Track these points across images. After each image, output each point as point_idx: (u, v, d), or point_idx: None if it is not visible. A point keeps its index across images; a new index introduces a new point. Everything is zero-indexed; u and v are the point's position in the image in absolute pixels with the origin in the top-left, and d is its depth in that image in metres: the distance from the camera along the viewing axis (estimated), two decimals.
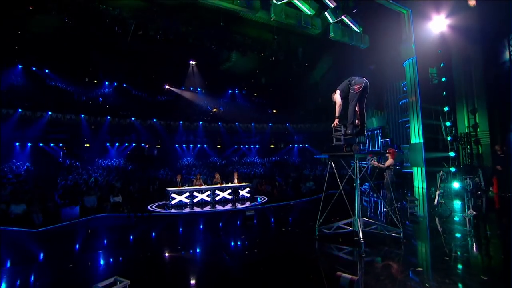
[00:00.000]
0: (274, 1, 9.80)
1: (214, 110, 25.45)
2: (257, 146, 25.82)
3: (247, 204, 13.17)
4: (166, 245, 7.16)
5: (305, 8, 10.52)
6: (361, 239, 5.62)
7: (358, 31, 11.75)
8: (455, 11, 10.95)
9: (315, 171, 18.55)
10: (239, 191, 13.84)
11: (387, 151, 8.90)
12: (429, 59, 11.65)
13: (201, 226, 9.33)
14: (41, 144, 18.69)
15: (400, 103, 14.23)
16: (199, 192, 12.96)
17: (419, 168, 11.65)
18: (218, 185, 13.56)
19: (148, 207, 12.23)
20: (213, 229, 8.79)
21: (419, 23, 11.47)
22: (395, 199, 9.09)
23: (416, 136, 11.72)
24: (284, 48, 19.74)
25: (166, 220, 10.39)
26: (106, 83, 22.76)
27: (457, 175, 10.65)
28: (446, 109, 11.54)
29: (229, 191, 13.54)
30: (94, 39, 17.66)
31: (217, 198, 13.21)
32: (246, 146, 25.68)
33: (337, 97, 6.36)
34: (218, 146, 25.20)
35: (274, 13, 9.78)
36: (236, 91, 27.38)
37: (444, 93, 11.53)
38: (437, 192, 8.57)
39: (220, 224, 9.31)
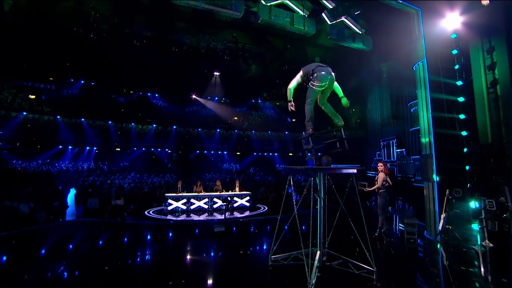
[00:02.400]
0: (263, 2, 8.46)
1: (235, 118, 24.44)
2: (275, 154, 24.26)
3: (246, 213, 11.83)
4: (87, 260, 5.83)
5: (297, 9, 9.00)
6: (311, 284, 3.96)
7: (360, 32, 9.88)
8: (471, 7, 8.66)
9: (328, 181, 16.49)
10: (239, 199, 12.49)
11: (377, 167, 6.99)
12: (442, 61, 9.36)
13: (163, 239, 7.96)
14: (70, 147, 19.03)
15: (412, 110, 11.87)
16: (196, 199, 11.84)
17: (429, 183, 9.31)
18: (218, 193, 12.34)
19: (145, 212, 11.41)
20: (171, 244, 7.51)
21: (429, 22, 9.32)
22: (388, 223, 7.11)
23: (427, 147, 9.44)
24: (300, 57, 18.14)
25: (137, 229, 9.14)
26: (140, 93, 22.95)
27: (475, 194, 8.20)
28: (462, 116, 9.11)
29: (228, 199, 12.23)
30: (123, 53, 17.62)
31: (214, 206, 11.99)
32: (265, 154, 24.26)
33: (294, 79, 4.78)
34: (238, 153, 24.09)
35: (261, 14, 8.43)
36: (259, 101, 26.20)
37: (461, 99, 9.12)
38: (443, 216, 6.43)
39: (187, 238, 7.99)
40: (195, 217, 11.06)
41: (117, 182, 14.59)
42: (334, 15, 9.37)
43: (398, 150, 13.91)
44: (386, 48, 11.94)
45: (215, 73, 23.35)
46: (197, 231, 8.69)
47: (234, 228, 8.69)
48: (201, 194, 12.05)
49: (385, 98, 15.35)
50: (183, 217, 11.06)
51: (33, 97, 18.62)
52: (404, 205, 13.13)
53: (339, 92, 4.88)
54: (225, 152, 23.82)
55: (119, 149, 20.48)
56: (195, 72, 21.25)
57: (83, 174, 15.55)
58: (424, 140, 9.53)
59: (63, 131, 17.89)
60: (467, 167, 8.81)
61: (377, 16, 10.30)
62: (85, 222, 9.83)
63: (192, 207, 11.74)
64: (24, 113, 16.27)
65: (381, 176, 6.82)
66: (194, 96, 24.28)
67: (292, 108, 4.76)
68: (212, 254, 6.26)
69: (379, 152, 15.94)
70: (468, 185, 8.94)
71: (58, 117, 16.69)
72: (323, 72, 4.50)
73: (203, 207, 11.91)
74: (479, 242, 5.90)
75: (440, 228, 6.40)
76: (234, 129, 22.14)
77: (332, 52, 16.72)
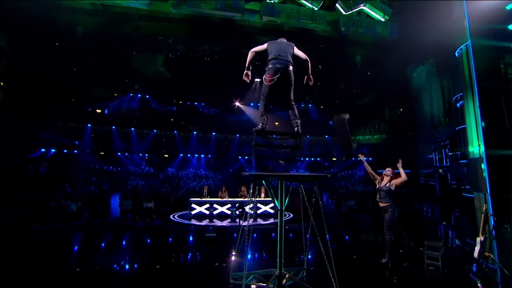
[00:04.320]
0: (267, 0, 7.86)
1: (276, 123, 23.88)
2: (318, 159, 22.82)
3: (271, 220, 11.15)
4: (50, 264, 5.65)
5: (306, 2, 8.12)
6: None
7: (383, 20, 8.44)
8: None
9: (366, 188, 14.64)
10: (263, 206, 11.85)
11: (384, 173, 5.60)
12: (495, 40, 7.29)
13: (156, 243, 7.77)
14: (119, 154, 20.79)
15: (458, 105, 9.55)
16: (219, 205, 11.61)
17: (481, 194, 7.35)
18: (241, 199, 11.90)
19: (171, 216, 11.61)
20: (155, 249, 7.22)
21: None
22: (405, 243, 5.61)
23: (476, 149, 7.48)
24: (334, 55, 16.70)
25: (144, 232, 9.09)
26: (188, 103, 24.17)
27: None
28: None
29: (251, 205, 11.69)
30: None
31: (237, 212, 11.56)
32: (307, 159, 23.00)
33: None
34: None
35: (263, 13, 7.83)
36: (303, 105, 25.16)
37: None
38: (479, 239, 4.78)
39: (181, 243, 7.67)
40: (218, 223, 10.82)
41: (157, 186, 15.38)
42: (350, 4, 8.18)
43: (451, 153, 11.46)
44: (427, 35, 10.03)
45: (256, 80, 23.20)
46: (200, 236, 8.36)
47: (232, 236, 8.17)
48: (224, 199, 11.79)
49: (435, 94, 12.89)
50: (205, 222, 10.92)
51: (99, 111, 21.30)
52: (461, 220, 10.70)
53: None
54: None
55: (167, 156, 21.82)
56: (236, 80, 21.41)
57: (131, 178, 16.88)
58: (472, 140, 7.54)
59: (118, 140, 19.94)
60: None
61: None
62: (105, 222, 10.33)
63: (215, 212, 11.55)
64: (89, 125, 18.64)
65: (394, 181, 5.41)
66: (237, 103, 24.56)
67: (246, 79, 3.99)
68: (184, 262, 5.83)
69: (429, 156, 13.48)
70: None
71: (113, 127, 18.58)
72: (277, 65, 3.71)
73: (226, 213, 11.62)
74: None
75: (476, 255, 4.75)
76: (273, 134, 21.51)
77: (371, 48, 14.93)
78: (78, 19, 15.47)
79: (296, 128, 3.78)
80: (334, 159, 22.45)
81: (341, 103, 22.89)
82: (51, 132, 18.76)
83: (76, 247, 7.40)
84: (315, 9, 7.98)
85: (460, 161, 9.73)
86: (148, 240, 8.14)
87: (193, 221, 10.97)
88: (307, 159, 22.91)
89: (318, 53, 16.04)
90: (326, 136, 21.06)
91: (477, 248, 4.75)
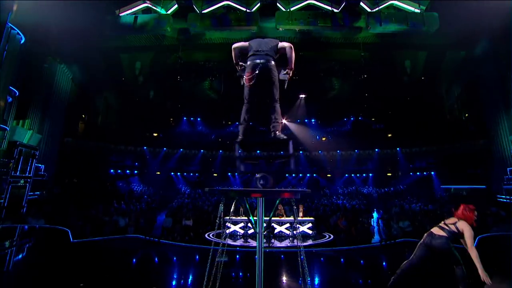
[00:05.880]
0: (282, 8, 7.61)
1: (323, 138, 22.74)
2: (370, 174, 20.65)
3: (309, 242, 10.22)
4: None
5: (326, 6, 7.60)
6: None
7: (418, 11, 7.33)
8: None
9: (425, 206, 12.40)
10: (300, 226, 10.96)
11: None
12: None
13: (166, 262, 7.45)
14: (172, 174, 22.01)
15: None
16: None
17: None
18: (278, 218, 11.22)
19: (206, 235, 11.53)
20: (156, 267, 6.81)
21: None
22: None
23: None
24: (378, 63, 15.26)
25: (158, 249, 8.79)
26: (237, 123, 24.87)
27: None
28: None
29: (287, 225, 10.92)
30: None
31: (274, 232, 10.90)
32: (358, 174, 21.03)
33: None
34: (328, 175, 21.92)
35: (278, 22, 7.56)
36: (352, 119, 23.56)
37: None
38: None
39: (193, 264, 7.21)
40: (252, 243, 10.35)
41: (200, 204, 15.72)
42: (377, 1, 7.37)
43: None
44: (482, 18, 8.36)
45: (301, 96, 22.78)
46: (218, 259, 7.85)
47: (247, 260, 7.49)
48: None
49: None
50: (240, 241, 10.56)
51: (155, 134, 23.47)
52: None
53: None
54: (314, 175, 22.18)
55: (215, 174, 22.46)
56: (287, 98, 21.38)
57: (179, 197, 17.67)
58: None
59: (172, 160, 21.42)
60: None
61: None
62: (136, 238, 10.23)
63: (249, 231, 11.09)
64: (145, 147, 20.56)
65: (465, 226, 3.73)
66: (284, 121, 24.32)
67: (241, 75, 3.54)
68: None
69: (511, 169, 10.85)
70: None
71: (164, 149, 20.08)
72: (256, 60, 3.33)
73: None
74: None
75: None
76: (318, 150, 20.46)
77: (425, 51, 13.19)
78: (135, 56, 17.68)
79: (272, 133, 3.26)
80: (389, 174, 20.03)
81: (394, 113, 20.66)
82: (117, 155, 21.26)
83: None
84: (336, 11, 7.35)
85: None
86: (160, 259, 7.94)
87: (228, 241, 10.68)
88: (357, 175, 20.95)
89: (359, 61, 14.93)
90: (376, 150, 19.00)
91: None
